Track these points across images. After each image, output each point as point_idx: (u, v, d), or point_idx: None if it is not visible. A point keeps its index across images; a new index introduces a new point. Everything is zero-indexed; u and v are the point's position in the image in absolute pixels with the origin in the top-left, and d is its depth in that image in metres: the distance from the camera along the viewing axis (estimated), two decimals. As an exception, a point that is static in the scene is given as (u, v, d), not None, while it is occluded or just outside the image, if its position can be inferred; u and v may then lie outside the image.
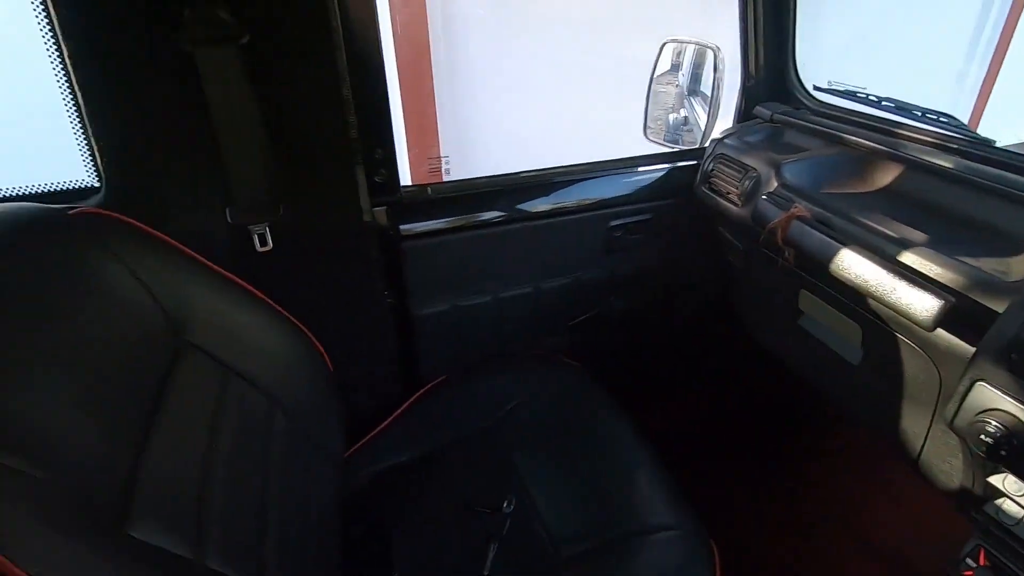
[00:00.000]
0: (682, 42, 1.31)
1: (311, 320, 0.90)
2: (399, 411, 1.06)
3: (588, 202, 1.21)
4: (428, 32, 2.19)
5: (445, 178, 2.33)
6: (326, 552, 0.76)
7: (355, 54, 0.90)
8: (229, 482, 0.64)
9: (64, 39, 0.75)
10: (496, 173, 1.17)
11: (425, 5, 2.16)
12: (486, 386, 1.09)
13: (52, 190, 0.86)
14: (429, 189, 1.09)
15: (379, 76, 0.95)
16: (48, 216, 0.63)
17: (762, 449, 1.48)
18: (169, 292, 0.72)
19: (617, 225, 1.23)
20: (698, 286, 1.42)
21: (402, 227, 1.06)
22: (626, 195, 1.24)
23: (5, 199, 0.81)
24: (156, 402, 0.62)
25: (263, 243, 0.90)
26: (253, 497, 0.67)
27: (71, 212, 0.66)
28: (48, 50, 0.78)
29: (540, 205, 1.17)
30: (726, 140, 1.19)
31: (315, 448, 0.84)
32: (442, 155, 2.34)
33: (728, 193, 1.12)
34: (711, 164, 1.18)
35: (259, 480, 0.70)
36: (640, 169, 1.27)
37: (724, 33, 1.29)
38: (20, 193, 0.84)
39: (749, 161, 1.09)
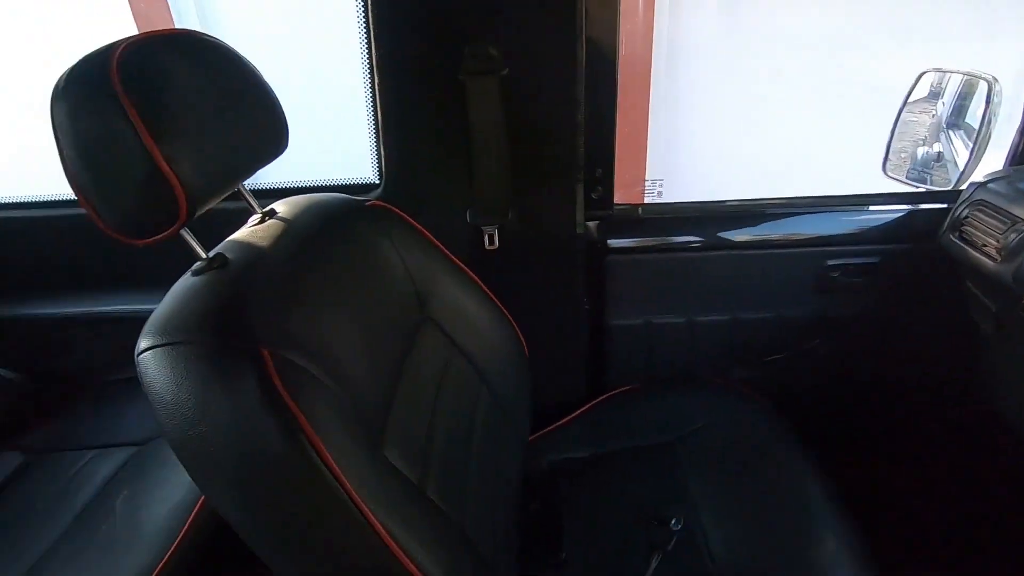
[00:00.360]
0: (946, 72, 1.17)
1: (518, 313, 1.02)
2: (583, 409, 1.14)
3: (802, 237, 1.15)
4: (651, 58, 2.25)
5: (658, 200, 2.37)
6: (508, 518, 0.87)
7: (592, 85, 1.01)
8: (446, 432, 0.78)
9: (376, 72, 0.98)
10: (707, 200, 1.18)
11: (653, 31, 2.23)
12: (670, 403, 1.11)
13: (349, 183, 1.13)
14: (640, 209, 1.15)
15: (610, 104, 1.05)
16: (354, 205, 0.84)
17: (978, 538, 1.24)
18: (420, 273, 0.88)
19: (836, 265, 1.15)
20: (928, 343, 1.25)
21: (609, 241, 1.13)
22: (850, 234, 1.15)
23: (324, 188, 1.08)
24: (403, 357, 0.78)
25: (491, 242, 1.06)
26: (461, 451, 0.80)
27: (367, 203, 0.87)
28: (364, 82, 1.03)
29: (748, 235, 1.16)
30: (991, 184, 1.04)
31: (509, 425, 0.96)
32: (654, 178, 2.38)
33: (984, 245, 0.98)
34: (966, 210, 1.04)
35: (465, 438, 0.83)
36: (872, 208, 1.17)
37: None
38: (334, 184, 1.12)
39: (1019, 211, 0.94)
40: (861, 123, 1.73)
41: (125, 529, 0.92)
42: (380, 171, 1.09)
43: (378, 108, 1.01)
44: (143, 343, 0.54)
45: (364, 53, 1.00)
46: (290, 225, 0.72)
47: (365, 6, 0.95)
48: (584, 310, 1.16)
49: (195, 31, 0.64)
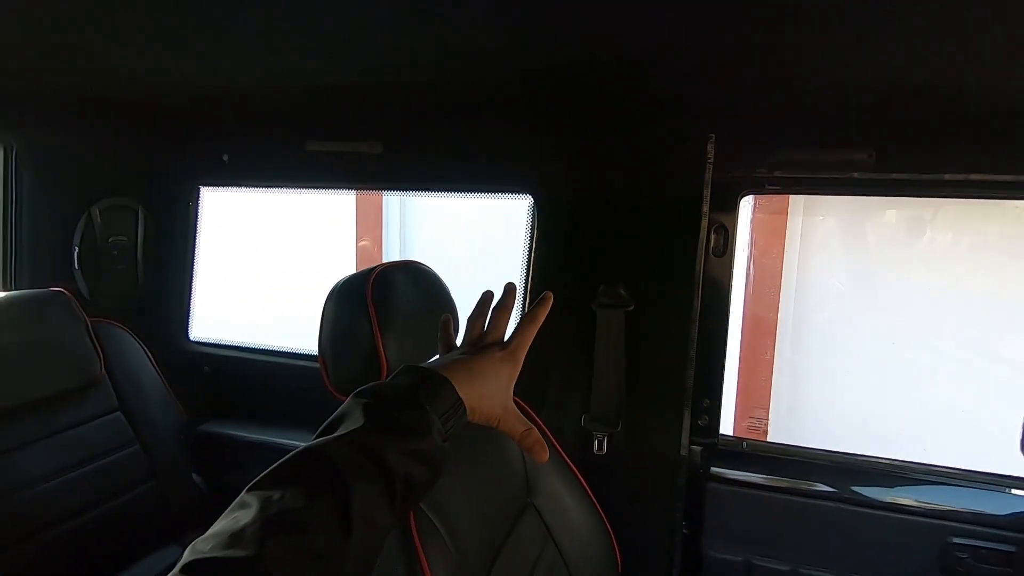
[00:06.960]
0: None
1: (617, 524, 1.09)
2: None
3: (923, 507, 1.11)
4: (779, 304, 2.41)
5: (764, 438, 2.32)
6: None
7: (705, 327, 1.19)
8: None
9: (528, 295, 1.27)
10: (815, 447, 1.22)
11: (781, 281, 2.42)
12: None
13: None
14: (744, 443, 1.22)
15: (721, 345, 1.21)
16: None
17: None
18: (533, 464, 1.02)
19: (963, 546, 1.07)
20: None
21: (713, 469, 1.19)
22: (981, 514, 1.09)
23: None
24: (506, 537, 0.89)
25: (600, 447, 1.18)
26: None
27: None
28: (520, 301, 1.32)
29: (865, 492, 1.14)
30: None
31: None
32: (764, 417, 2.37)
33: None
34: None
35: None
36: (1013, 492, 1.11)
37: None
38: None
39: None
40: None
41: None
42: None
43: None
44: None
45: (523, 278, 1.31)
46: None
47: (529, 246, 1.28)
48: (681, 534, 1.18)
49: (418, 262, 0.96)
